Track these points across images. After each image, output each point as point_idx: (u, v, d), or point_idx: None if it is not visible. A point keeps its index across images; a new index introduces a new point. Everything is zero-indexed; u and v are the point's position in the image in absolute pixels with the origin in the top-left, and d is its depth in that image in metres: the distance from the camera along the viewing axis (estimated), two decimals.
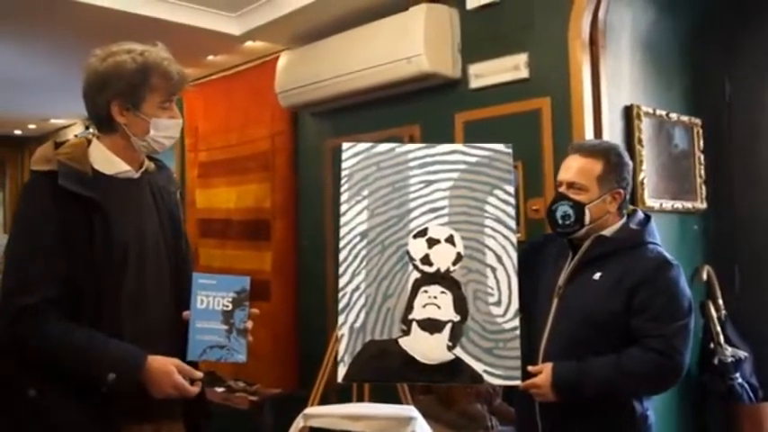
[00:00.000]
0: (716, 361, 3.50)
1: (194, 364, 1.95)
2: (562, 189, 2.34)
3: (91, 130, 2.02)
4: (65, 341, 1.79)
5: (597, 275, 2.30)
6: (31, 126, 8.05)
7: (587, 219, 2.30)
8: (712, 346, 3.53)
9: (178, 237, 2.10)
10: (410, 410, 2.48)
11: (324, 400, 3.15)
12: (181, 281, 2.05)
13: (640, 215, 2.43)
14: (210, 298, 1.95)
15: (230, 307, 1.95)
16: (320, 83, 4.08)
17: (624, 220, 2.40)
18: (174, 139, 2.04)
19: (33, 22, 4.10)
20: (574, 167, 2.35)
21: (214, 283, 1.96)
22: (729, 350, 3.49)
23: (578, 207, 2.30)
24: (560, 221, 2.31)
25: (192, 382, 1.90)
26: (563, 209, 2.31)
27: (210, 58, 4.88)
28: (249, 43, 4.53)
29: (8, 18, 4.05)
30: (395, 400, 2.88)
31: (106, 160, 1.95)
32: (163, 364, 1.85)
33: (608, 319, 2.24)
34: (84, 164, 1.90)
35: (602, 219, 2.34)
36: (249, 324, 1.97)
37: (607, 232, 2.35)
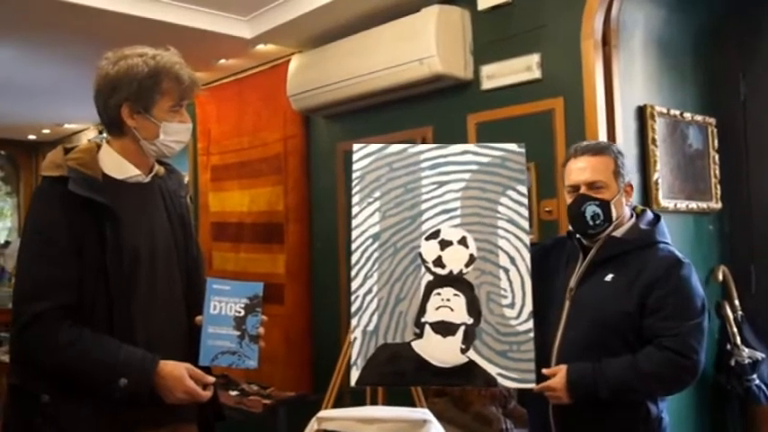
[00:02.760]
0: (732, 362, 3.47)
1: (207, 369, 1.94)
2: (583, 191, 2.32)
3: (104, 135, 2.02)
4: (77, 347, 1.78)
5: (609, 276, 2.28)
6: (45, 131, 8.07)
7: (614, 215, 2.30)
8: (729, 347, 3.50)
9: (189, 241, 2.10)
10: (424, 413, 2.46)
11: (337, 403, 3.13)
12: (192, 285, 2.05)
13: (650, 215, 2.42)
14: (223, 303, 1.94)
15: (243, 313, 1.94)
16: (332, 85, 4.07)
17: (634, 220, 2.38)
18: (184, 144, 2.04)
19: (47, 28, 4.12)
20: (589, 167, 2.33)
21: (228, 289, 1.96)
22: (746, 351, 3.46)
23: (605, 205, 2.29)
24: (591, 222, 2.29)
25: (205, 386, 1.89)
26: (592, 209, 2.29)
27: (222, 61, 4.89)
28: (261, 46, 4.53)
29: (22, 24, 4.07)
30: (409, 402, 2.86)
31: (116, 165, 1.95)
32: (174, 369, 1.85)
33: (621, 320, 2.23)
34: (95, 169, 1.90)
35: (620, 215, 2.33)
36: (261, 330, 1.97)
37: (618, 233, 2.34)
